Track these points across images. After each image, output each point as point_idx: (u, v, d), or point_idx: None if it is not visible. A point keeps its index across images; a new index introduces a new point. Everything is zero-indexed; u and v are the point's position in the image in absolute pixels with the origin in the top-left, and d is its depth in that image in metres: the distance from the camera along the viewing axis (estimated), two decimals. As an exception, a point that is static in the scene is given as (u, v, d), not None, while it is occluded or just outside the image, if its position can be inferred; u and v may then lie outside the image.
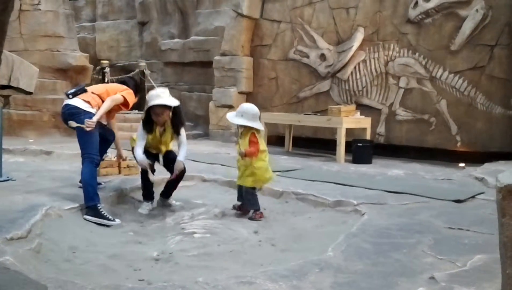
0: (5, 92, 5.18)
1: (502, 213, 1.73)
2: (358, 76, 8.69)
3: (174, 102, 4.55)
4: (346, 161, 7.57)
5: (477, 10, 7.43)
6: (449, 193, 5.13)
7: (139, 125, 4.70)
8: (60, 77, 10.01)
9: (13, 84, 4.95)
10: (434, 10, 7.81)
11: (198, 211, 4.61)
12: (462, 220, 4.08)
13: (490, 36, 7.38)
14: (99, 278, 2.90)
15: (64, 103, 4.66)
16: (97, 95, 4.73)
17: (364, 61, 8.59)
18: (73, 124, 4.50)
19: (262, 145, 4.61)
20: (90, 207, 4.22)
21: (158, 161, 4.86)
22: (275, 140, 9.42)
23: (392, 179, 6.15)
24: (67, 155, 7.18)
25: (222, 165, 6.76)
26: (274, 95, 9.79)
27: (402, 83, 8.18)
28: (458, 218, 4.16)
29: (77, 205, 4.33)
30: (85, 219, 4.16)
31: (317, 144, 9.01)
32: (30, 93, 5.07)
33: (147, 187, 4.76)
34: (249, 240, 3.91)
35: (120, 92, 4.86)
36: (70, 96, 4.62)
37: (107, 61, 11.66)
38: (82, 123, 4.44)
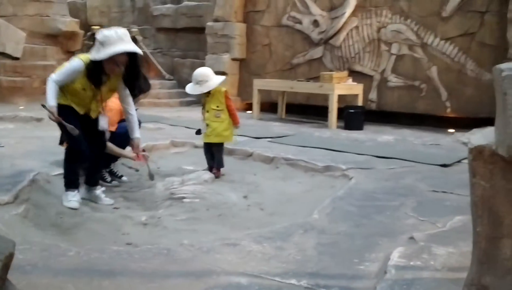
0: (-8, 57, 5.13)
1: (472, 173, 1.78)
2: (350, 43, 8.64)
3: (138, 49, 3.61)
4: (338, 127, 7.62)
5: (469, -24, 7.36)
6: (436, 158, 5.20)
7: (69, 64, 3.57)
8: (50, 43, 9.91)
9: (-1, 49, 4.91)
10: (427, -24, 7.73)
11: (188, 177, 4.65)
12: (446, 183, 4.16)
13: (481, 3, 7.34)
14: (85, 242, 2.96)
15: None
16: None
17: (357, 27, 8.54)
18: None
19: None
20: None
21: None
22: (268, 106, 9.43)
23: (381, 144, 6.22)
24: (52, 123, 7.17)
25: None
26: (267, 61, 9.74)
27: (394, 49, 8.15)
28: (443, 181, 4.24)
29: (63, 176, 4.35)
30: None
31: (310, 110, 9.03)
32: (16, 58, 5.04)
33: (73, 164, 3.70)
34: (238, 204, 3.98)
35: None
36: None
37: (98, 27, 11.52)
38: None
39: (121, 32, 3.48)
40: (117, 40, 3.40)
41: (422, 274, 2.25)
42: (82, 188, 3.86)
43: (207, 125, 4.77)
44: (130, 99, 3.78)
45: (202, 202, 3.98)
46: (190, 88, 4.77)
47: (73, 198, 3.61)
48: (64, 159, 3.70)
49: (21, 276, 2.15)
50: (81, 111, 3.64)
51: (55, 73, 3.56)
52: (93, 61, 3.45)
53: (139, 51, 3.55)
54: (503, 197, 1.72)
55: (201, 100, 4.95)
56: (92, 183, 3.90)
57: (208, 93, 4.72)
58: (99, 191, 3.90)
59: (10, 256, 1.71)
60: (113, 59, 3.42)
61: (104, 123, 3.67)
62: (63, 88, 3.53)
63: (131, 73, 3.60)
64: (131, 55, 3.51)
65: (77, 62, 3.52)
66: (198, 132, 4.87)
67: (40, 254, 2.46)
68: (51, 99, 3.42)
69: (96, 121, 3.70)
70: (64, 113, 3.49)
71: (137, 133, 3.84)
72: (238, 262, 2.50)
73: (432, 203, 3.59)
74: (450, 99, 7.72)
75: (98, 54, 3.42)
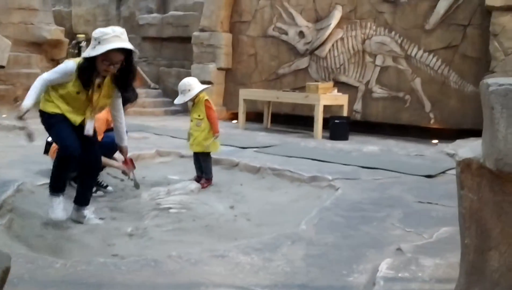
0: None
1: (460, 186, 1.81)
2: (336, 54, 8.73)
3: (134, 49, 3.37)
4: (323, 137, 7.66)
5: (451, -10, 7.52)
6: (421, 169, 5.26)
7: (61, 65, 3.45)
8: (34, 51, 9.82)
9: (-16, 57, 4.83)
10: (410, -11, 7.87)
11: (174, 186, 4.63)
12: (432, 194, 4.20)
13: (463, 16, 7.49)
14: (71, 253, 2.92)
15: None
16: None
17: (342, 39, 8.63)
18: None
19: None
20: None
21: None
22: (254, 116, 9.45)
23: (367, 155, 6.26)
24: (41, 130, 7.08)
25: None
26: (253, 71, 9.78)
27: (378, 61, 8.26)
28: (428, 192, 4.28)
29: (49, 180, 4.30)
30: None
31: (296, 120, 9.07)
32: (1, 66, 4.96)
33: (64, 171, 3.48)
34: (225, 215, 3.97)
35: None
36: None
37: (83, 35, 11.46)
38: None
39: (118, 30, 3.29)
40: (114, 37, 3.20)
41: (411, 286, 2.26)
42: (71, 208, 3.62)
43: (191, 134, 4.80)
44: (121, 106, 3.68)
45: (189, 213, 3.96)
46: (177, 99, 4.87)
47: (58, 206, 3.41)
48: (53, 166, 3.50)
49: (8, 288, 2.11)
50: (76, 120, 3.43)
51: (44, 74, 3.43)
52: (86, 58, 3.24)
53: (135, 50, 3.35)
54: (490, 210, 1.74)
55: (190, 109, 4.98)
56: (82, 203, 3.61)
57: (194, 102, 4.75)
58: (87, 211, 3.64)
59: (7, 270, 1.67)
60: (108, 57, 3.20)
61: (90, 128, 3.51)
62: (56, 96, 3.37)
63: (126, 73, 3.39)
64: (127, 55, 3.30)
65: (70, 63, 3.37)
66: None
67: (26, 267, 2.41)
68: (29, 98, 3.25)
69: (92, 140, 3.53)
70: (56, 123, 3.37)
71: (126, 142, 3.79)
72: (227, 274, 2.49)
73: (418, 214, 3.62)
74: (434, 110, 7.83)
75: (93, 51, 3.20)
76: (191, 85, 4.72)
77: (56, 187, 3.48)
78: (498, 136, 1.59)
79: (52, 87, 3.37)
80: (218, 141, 4.86)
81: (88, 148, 3.47)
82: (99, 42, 3.19)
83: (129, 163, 4.06)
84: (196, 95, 4.72)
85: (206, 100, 4.81)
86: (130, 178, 4.24)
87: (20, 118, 3.28)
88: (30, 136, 3.45)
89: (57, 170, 3.47)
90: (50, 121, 3.40)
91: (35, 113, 3.40)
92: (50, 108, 3.39)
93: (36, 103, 3.38)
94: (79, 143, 3.38)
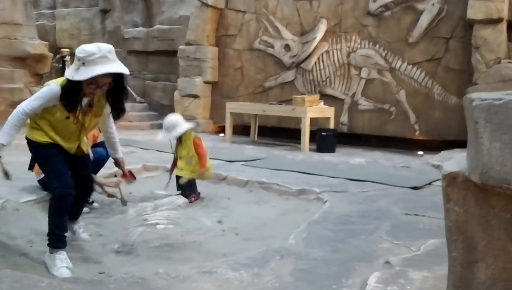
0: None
1: (446, 199, 1.83)
2: (321, 67, 8.80)
3: (125, 69, 2.98)
4: (310, 150, 7.69)
5: (433, 4, 7.66)
6: (407, 180, 5.30)
7: (42, 93, 2.98)
8: (18, 66, 9.71)
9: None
10: (393, 4, 8.01)
11: (162, 202, 4.60)
12: (418, 206, 4.23)
13: (446, 29, 7.62)
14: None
15: None
16: None
17: (327, 52, 8.71)
18: None
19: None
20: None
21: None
22: (241, 129, 9.46)
23: (354, 167, 6.29)
24: (24, 145, 6.96)
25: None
26: (240, 84, 9.81)
27: (364, 73, 8.35)
28: (415, 204, 4.31)
29: (34, 197, 4.24)
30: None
31: (282, 133, 9.10)
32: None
33: (62, 217, 3.05)
34: (213, 230, 3.94)
35: None
36: None
37: (67, 49, 11.41)
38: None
39: (105, 48, 2.87)
40: (101, 59, 2.81)
41: (399, 299, 2.26)
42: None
43: (181, 169, 4.80)
44: (111, 119, 3.34)
45: (176, 228, 3.92)
46: (160, 135, 4.84)
47: (62, 264, 2.90)
48: (50, 211, 3.06)
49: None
50: (71, 148, 3.13)
51: (24, 103, 2.97)
52: (70, 80, 2.85)
53: (126, 71, 2.95)
54: (476, 222, 1.76)
55: (174, 148, 4.94)
56: (72, 217, 3.35)
57: (180, 139, 4.75)
58: (76, 226, 3.47)
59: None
60: (94, 80, 2.83)
61: (90, 151, 3.33)
62: (43, 123, 3.02)
63: (116, 94, 3.06)
64: (117, 74, 2.95)
65: (54, 86, 2.95)
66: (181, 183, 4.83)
67: (12, 286, 2.37)
68: (5, 136, 2.90)
69: (86, 162, 3.27)
70: (49, 156, 3.03)
71: (121, 153, 3.54)
72: (216, 291, 2.47)
73: (406, 226, 3.64)
74: (419, 122, 7.92)
75: (77, 74, 2.81)
76: (177, 123, 4.72)
77: (58, 240, 2.99)
78: (482, 150, 1.61)
79: (38, 114, 3.00)
80: (210, 168, 4.90)
81: (81, 168, 3.22)
82: (83, 64, 2.81)
83: (128, 175, 3.82)
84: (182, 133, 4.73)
85: (196, 138, 4.82)
86: (118, 198, 4.20)
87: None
88: (7, 175, 3.05)
89: (56, 214, 3.01)
90: (42, 152, 3.08)
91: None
92: (39, 137, 3.05)
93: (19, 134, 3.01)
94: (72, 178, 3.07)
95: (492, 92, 2.64)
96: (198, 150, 4.78)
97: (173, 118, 4.81)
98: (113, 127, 3.44)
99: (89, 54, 2.79)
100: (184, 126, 4.72)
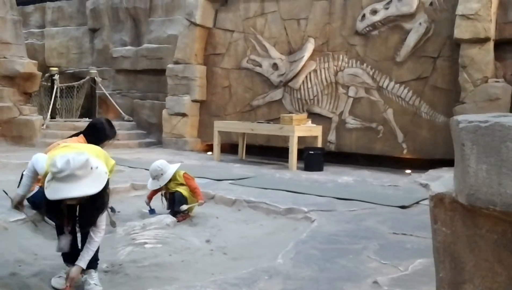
0: None
1: (434, 220, 1.84)
2: (309, 85, 8.88)
3: (94, 187, 2.72)
4: (298, 168, 7.70)
5: (420, 24, 7.78)
6: (395, 199, 5.32)
7: (35, 163, 3.01)
8: (7, 85, 9.70)
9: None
10: (380, 23, 8.12)
11: (150, 221, 4.57)
12: (406, 225, 4.25)
13: (433, 49, 7.74)
14: (46, 292, 2.83)
15: None
16: None
17: (315, 70, 8.80)
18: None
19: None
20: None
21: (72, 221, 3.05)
22: (229, 148, 9.47)
23: (342, 186, 6.32)
24: (13, 165, 6.96)
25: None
26: (228, 103, 9.85)
27: (351, 92, 8.43)
28: (402, 223, 4.33)
29: (23, 216, 4.19)
30: None
31: (270, 152, 9.12)
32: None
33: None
34: (201, 249, 3.92)
35: None
36: None
37: (56, 68, 11.39)
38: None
39: (76, 164, 2.62)
40: (68, 177, 2.61)
41: (388, 320, 2.26)
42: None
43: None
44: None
45: (165, 248, 3.90)
46: (149, 184, 4.89)
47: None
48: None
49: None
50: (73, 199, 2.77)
51: (41, 158, 3.01)
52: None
53: (91, 191, 2.69)
54: (464, 243, 1.77)
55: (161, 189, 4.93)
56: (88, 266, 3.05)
57: (170, 179, 4.78)
58: (94, 279, 3.06)
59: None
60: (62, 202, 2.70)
61: None
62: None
63: (86, 207, 2.86)
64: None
65: (40, 156, 3.03)
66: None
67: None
68: (21, 187, 3.12)
69: (85, 209, 2.92)
70: (52, 208, 2.85)
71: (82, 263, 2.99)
72: (204, 312, 2.45)
73: (393, 246, 3.65)
74: (406, 140, 7.99)
75: (49, 186, 2.68)
76: (163, 169, 4.78)
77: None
78: (469, 171, 1.64)
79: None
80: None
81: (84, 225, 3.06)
82: (52, 178, 2.66)
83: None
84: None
85: (185, 173, 4.86)
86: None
87: (16, 208, 3.16)
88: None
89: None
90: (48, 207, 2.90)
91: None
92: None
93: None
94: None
95: (479, 112, 2.69)
96: (191, 184, 4.83)
97: (158, 164, 4.84)
98: (98, 233, 3.02)
99: (58, 170, 2.61)
100: (171, 170, 4.79)
